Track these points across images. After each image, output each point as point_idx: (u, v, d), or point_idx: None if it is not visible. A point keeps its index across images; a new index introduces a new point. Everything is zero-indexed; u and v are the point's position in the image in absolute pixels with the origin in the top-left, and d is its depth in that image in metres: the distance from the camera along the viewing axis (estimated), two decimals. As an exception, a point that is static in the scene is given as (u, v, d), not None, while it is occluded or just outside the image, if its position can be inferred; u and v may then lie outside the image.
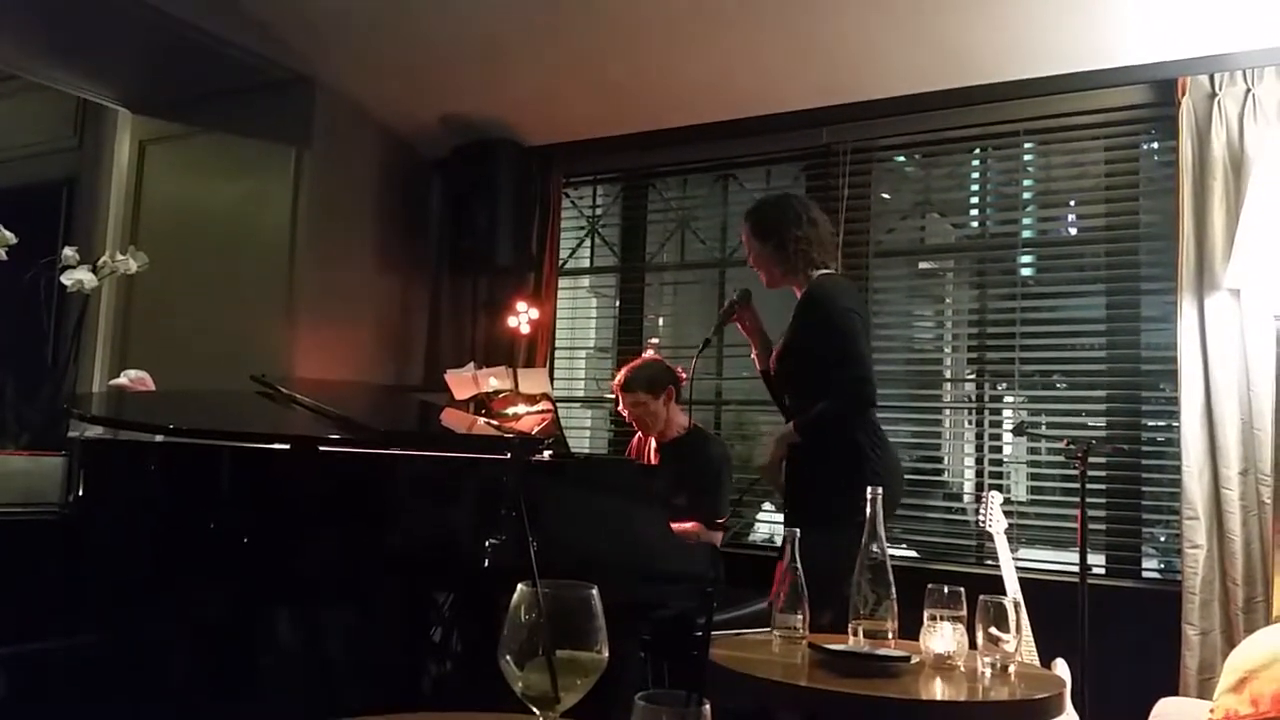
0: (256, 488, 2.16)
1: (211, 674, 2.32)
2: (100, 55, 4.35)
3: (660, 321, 4.58)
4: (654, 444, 3.62)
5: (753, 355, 3.14)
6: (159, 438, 2.26)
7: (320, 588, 2.26)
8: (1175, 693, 2.95)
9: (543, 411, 3.41)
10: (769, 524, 4.14)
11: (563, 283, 4.64)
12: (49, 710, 2.20)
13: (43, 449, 2.66)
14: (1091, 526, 3.08)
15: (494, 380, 3.48)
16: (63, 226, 4.89)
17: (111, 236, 4.73)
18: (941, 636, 1.84)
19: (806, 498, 2.81)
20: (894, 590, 1.93)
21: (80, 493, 2.37)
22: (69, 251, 3.14)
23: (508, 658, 0.97)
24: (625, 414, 3.62)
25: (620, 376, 3.59)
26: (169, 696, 2.29)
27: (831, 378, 2.73)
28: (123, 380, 3.02)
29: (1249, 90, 3.12)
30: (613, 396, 3.73)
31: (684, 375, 3.65)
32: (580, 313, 4.75)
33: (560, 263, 4.60)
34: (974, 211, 3.90)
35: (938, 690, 1.76)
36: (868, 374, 2.73)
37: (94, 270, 3.14)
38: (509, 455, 2.45)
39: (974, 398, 3.78)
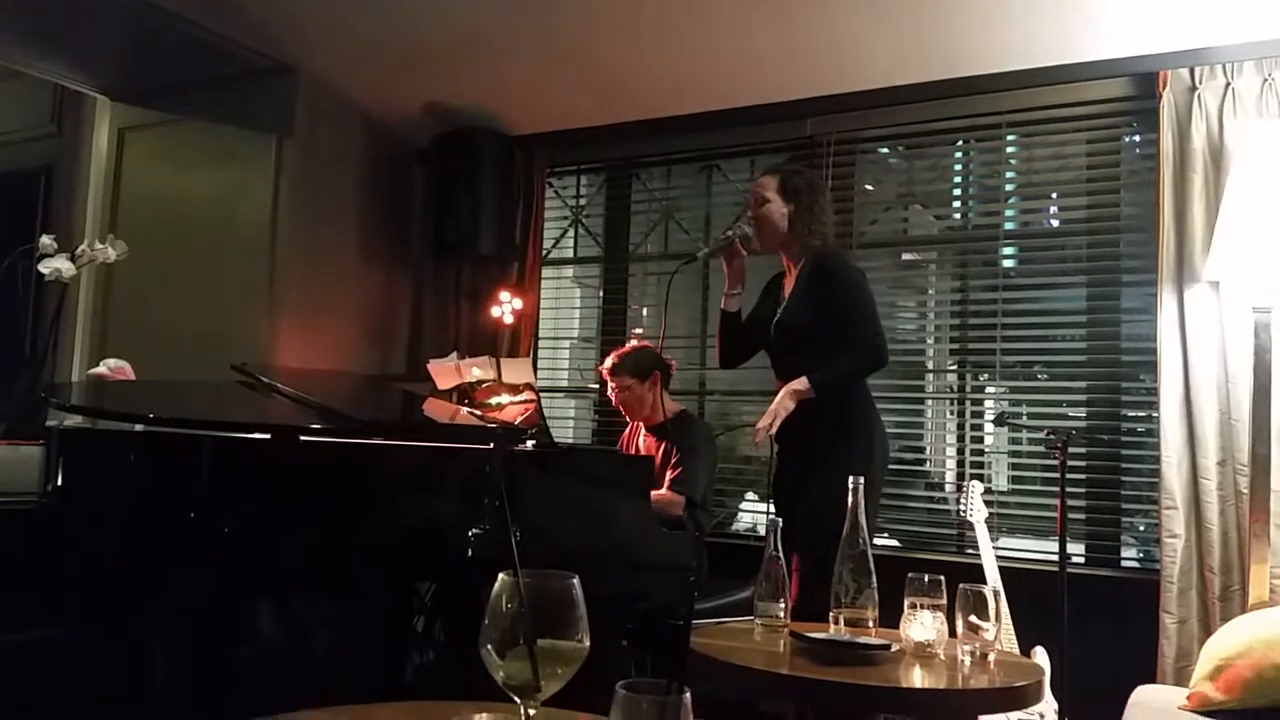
0: (237, 477, 2.15)
1: (192, 664, 2.31)
2: (80, 42, 4.30)
3: (644, 312, 4.58)
4: (643, 431, 3.63)
5: (724, 292, 3.08)
6: (138, 427, 2.25)
7: (301, 578, 2.26)
8: (1153, 680, 2.98)
9: (526, 401, 3.41)
10: (751, 513, 4.15)
11: (546, 272, 4.63)
12: (28, 701, 2.19)
13: (20, 438, 2.64)
14: (1071, 516, 3.10)
15: (477, 370, 3.47)
16: (41, 214, 4.83)
17: (90, 225, 4.69)
18: (922, 625, 1.85)
19: (812, 448, 2.77)
20: (875, 579, 1.94)
21: (58, 482, 2.35)
22: (47, 240, 3.11)
23: (489, 647, 0.97)
24: (613, 398, 3.62)
25: (609, 361, 3.60)
26: (149, 687, 2.28)
27: (852, 336, 2.77)
28: (102, 369, 3.00)
29: (1228, 84, 3.14)
30: (596, 386, 3.73)
31: (674, 364, 3.67)
32: (564, 303, 4.75)
33: (544, 252, 4.59)
34: (956, 203, 3.91)
35: (918, 678, 1.77)
36: (883, 333, 2.80)
37: (72, 259, 3.12)
38: (492, 445, 2.44)
39: (956, 388, 3.79)
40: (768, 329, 2.97)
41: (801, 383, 2.72)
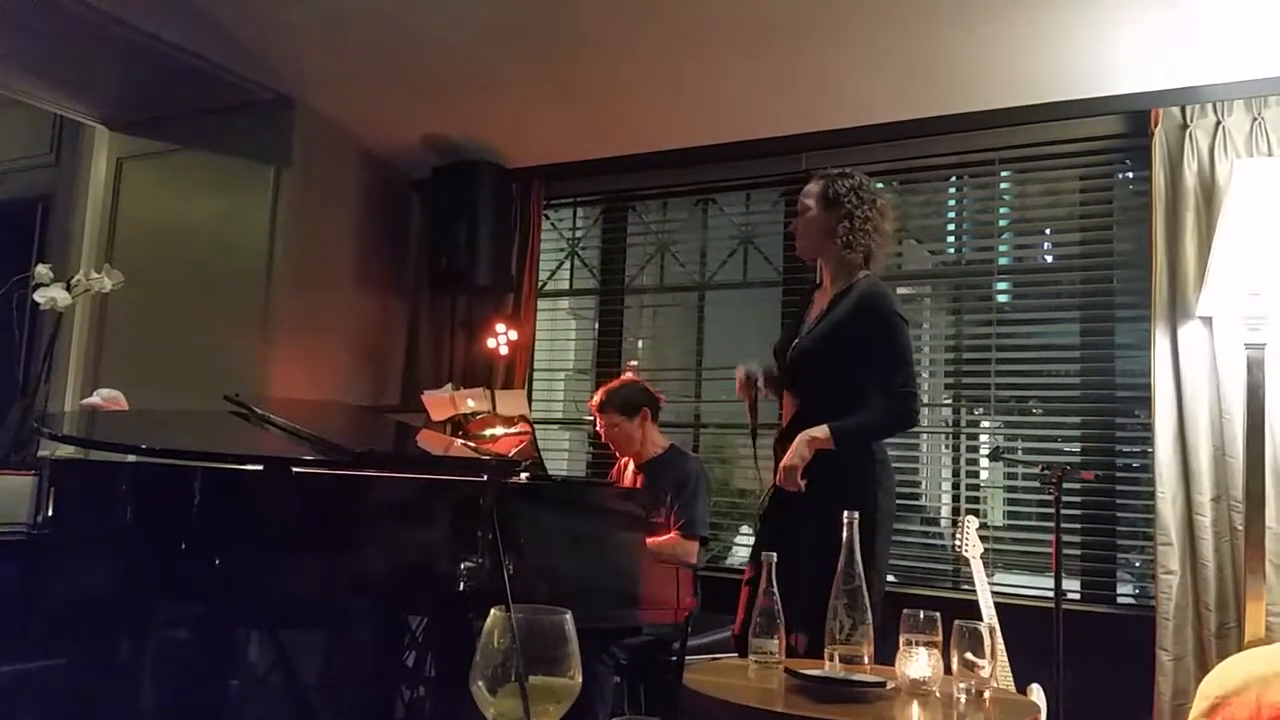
0: (229, 509, 2.14)
1: (181, 698, 2.29)
2: (79, 72, 4.33)
3: (640, 344, 4.59)
4: (632, 466, 3.61)
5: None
6: (130, 458, 2.24)
7: (292, 610, 2.24)
8: (1150, 718, 2.96)
9: (520, 433, 3.40)
10: (746, 548, 4.12)
11: (542, 304, 4.63)
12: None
13: (12, 468, 2.62)
14: (1066, 552, 3.09)
15: (472, 401, 3.47)
16: (37, 243, 4.85)
17: (86, 254, 4.69)
18: (917, 662, 1.83)
19: (823, 497, 2.48)
20: (870, 615, 1.93)
21: (49, 513, 2.33)
22: (43, 269, 3.11)
23: (480, 683, 0.96)
24: (603, 435, 3.61)
25: (597, 397, 3.58)
26: (137, 719, 2.26)
27: (882, 386, 2.55)
28: (95, 399, 2.99)
29: (1219, 123, 3.17)
30: (591, 418, 3.72)
31: (662, 397, 3.66)
32: (559, 334, 4.75)
33: (540, 284, 4.60)
34: (950, 238, 3.94)
35: (913, 716, 1.76)
36: (917, 389, 2.62)
37: (68, 288, 3.12)
38: (485, 477, 2.43)
39: (950, 423, 3.80)
40: (785, 352, 2.74)
41: (821, 431, 2.52)
